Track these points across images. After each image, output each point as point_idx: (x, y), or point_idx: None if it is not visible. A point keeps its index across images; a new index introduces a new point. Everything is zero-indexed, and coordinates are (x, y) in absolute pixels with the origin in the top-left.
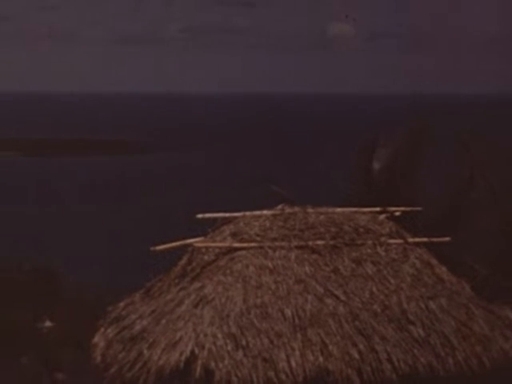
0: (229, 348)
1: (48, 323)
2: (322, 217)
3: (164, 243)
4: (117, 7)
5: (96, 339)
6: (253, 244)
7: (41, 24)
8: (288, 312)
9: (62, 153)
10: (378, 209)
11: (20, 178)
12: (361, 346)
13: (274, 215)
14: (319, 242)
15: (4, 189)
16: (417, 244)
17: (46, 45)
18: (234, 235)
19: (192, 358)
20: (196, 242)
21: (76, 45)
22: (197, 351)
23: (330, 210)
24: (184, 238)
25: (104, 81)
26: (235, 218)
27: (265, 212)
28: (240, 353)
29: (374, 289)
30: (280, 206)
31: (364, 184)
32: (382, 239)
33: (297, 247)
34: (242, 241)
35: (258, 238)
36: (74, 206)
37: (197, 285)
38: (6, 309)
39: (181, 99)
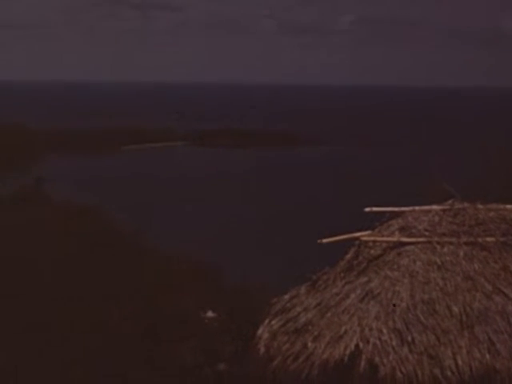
0: (394, 343)
1: (210, 313)
2: (492, 213)
3: (331, 236)
4: None
5: (260, 331)
6: (421, 239)
7: (211, 15)
8: (455, 309)
9: (231, 143)
10: None
11: (183, 166)
12: None
13: (443, 210)
14: (489, 239)
15: (173, 180)
16: None
17: (216, 35)
18: (401, 230)
19: (356, 353)
20: (363, 235)
21: (246, 36)
22: (361, 346)
23: (501, 206)
24: (351, 232)
25: (273, 72)
26: (403, 212)
27: (434, 207)
28: (405, 349)
29: None
30: (449, 202)
31: None
32: None
33: (466, 243)
34: (410, 235)
35: (427, 233)
36: (240, 197)
37: (363, 279)
38: (168, 298)
39: (352, 91)
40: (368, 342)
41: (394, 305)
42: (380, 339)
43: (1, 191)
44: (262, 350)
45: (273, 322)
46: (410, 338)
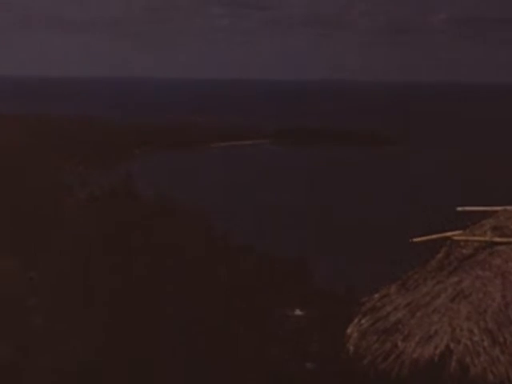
0: (485, 344)
1: (298, 312)
2: None
3: (423, 235)
4: None
5: (349, 330)
6: None
7: (302, 12)
8: None
9: (307, 142)
10: None
11: (268, 167)
12: None
13: None
14: None
15: (252, 177)
16: None
17: (304, 32)
18: (494, 229)
19: (447, 353)
20: (455, 235)
21: (339, 33)
22: (452, 346)
23: None
24: (442, 231)
25: (365, 69)
26: (495, 211)
27: None
28: (497, 349)
29: None
30: None
31: None
32: None
33: None
34: (502, 235)
35: None
36: (329, 197)
37: (454, 279)
38: (258, 296)
39: (449, 89)
40: (459, 342)
41: None
42: (471, 340)
43: (93, 188)
44: (351, 349)
45: (362, 321)
46: (501, 339)
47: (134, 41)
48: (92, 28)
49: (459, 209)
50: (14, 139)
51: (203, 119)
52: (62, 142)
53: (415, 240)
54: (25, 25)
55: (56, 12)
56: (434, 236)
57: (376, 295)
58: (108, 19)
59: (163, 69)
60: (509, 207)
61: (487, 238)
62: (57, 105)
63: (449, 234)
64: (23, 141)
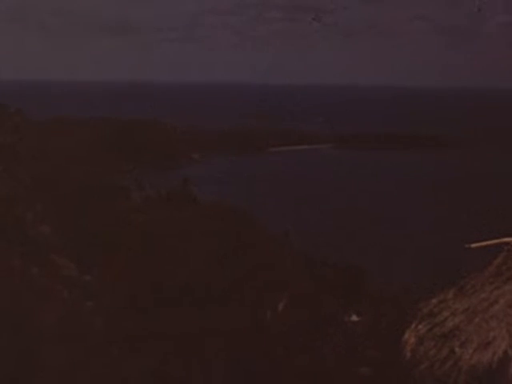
0: None
1: (354, 317)
2: None
3: (480, 241)
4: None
5: (407, 335)
6: None
7: (361, 18)
8: None
9: (370, 146)
10: None
11: (330, 170)
12: None
13: None
14: None
15: (316, 180)
16: None
17: (366, 39)
18: None
19: (505, 359)
20: None
21: (393, 38)
22: (510, 352)
23: None
24: (500, 237)
25: (422, 74)
26: None
27: None
28: None
29: None
30: None
31: None
32: None
33: None
34: None
35: None
36: (377, 201)
37: None
38: (313, 301)
39: (493, 95)
40: None
41: None
42: None
43: (149, 192)
44: (408, 354)
45: (419, 327)
46: None
47: (197, 45)
48: (156, 34)
49: None
50: (76, 143)
51: (263, 124)
52: (123, 146)
53: (473, 245)
54: (93, 31)
55: (120, 18)
56: (492, 242)
57: (433, 300)
58: (168, 24)
59: (223, 73)
60: None
61: None
62: (123, 108)
63: (507, 239)
64: (85, 144)
